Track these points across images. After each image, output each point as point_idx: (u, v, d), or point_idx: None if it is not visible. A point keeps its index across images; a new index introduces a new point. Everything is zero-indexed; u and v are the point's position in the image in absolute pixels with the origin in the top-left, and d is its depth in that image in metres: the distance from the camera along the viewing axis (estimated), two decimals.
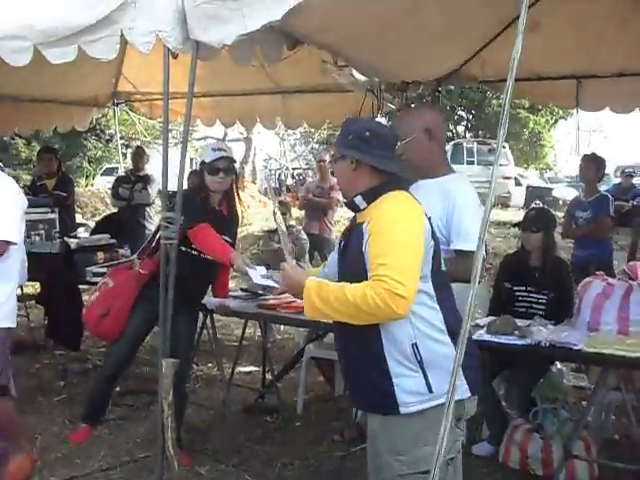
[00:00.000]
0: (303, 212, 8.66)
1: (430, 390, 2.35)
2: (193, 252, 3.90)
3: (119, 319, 4.05)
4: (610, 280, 3.50)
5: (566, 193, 19.93)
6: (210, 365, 6.01)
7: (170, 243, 3.25)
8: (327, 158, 8.22)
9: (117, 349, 4.17)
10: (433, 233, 2.46)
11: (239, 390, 5.20)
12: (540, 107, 24.87)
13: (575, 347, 3.07)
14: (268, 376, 5.28)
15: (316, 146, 30.30)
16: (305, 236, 7.12)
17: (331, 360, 4.84)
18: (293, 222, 7.66)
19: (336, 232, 7.97)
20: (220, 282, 4.36)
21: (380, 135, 2.53)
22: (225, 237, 3.96)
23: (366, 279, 2.33)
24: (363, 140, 2.50)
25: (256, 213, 16.20)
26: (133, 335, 4.12)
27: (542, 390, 4.03)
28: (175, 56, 3.66)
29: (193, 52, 3.25)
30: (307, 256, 7.08)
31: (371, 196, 2.49)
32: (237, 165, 4.39)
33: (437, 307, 2.42)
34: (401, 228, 2.34)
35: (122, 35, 3.15)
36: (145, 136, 13.97)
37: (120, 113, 9.30)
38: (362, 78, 4.98)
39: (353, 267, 2.45)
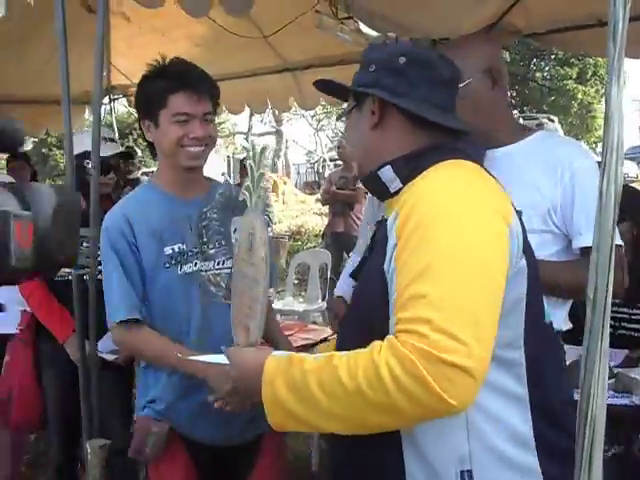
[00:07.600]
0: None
1: None
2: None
3: (26, 400, 3.07)
4: None
5: (624, 167, 18.58)
6: None
7: (84, 274, 2.24)
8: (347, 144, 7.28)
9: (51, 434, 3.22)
10: (525, 243, 1.33)
11: None
12: (589, 77, 23.22)
13: None
14: None
15: None
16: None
17: None
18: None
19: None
20: None
21: (424, 63, 1.41)
22: None
23: (387, 329, 1.23)
24: (393, 72, 1.41)
25: (289, 210, 15.30)
26: (58, 410, 3.09)
27: None
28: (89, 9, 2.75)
29: None
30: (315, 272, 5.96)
31: (409, 167, 1.37)
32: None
33: (526, 399, 1.28)
34: (459, 227, 1.21)
35: None
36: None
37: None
38: (373, 34, 3.89)
39: (365, 303, 1.37)
